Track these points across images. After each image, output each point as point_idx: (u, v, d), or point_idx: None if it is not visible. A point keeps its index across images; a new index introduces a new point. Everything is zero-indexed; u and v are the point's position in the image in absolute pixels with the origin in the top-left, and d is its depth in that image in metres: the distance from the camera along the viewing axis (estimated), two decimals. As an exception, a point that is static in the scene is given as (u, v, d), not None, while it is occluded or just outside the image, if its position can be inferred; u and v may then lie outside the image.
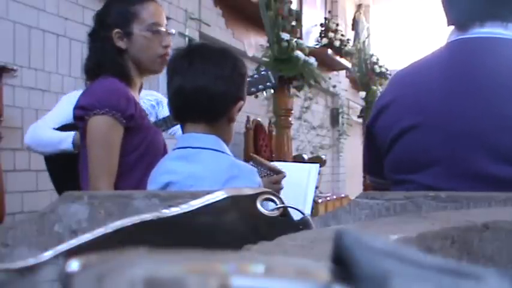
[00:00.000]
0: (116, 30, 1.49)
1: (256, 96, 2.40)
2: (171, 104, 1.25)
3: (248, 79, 1.89)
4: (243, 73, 1.26)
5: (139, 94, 1.59)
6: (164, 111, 1.84)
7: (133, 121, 1.44)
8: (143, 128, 1.48)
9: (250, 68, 3.74)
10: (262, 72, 1.91)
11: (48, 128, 1.89)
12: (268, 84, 1.90)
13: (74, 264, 0.17)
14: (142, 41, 1.51)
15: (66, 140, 1.78)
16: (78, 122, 1.46)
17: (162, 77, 1.52)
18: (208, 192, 0.40)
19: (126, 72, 1.51)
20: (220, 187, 0.45)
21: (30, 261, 0.32)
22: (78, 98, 1.49)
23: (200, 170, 1.17)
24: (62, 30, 2.60)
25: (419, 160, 0.96)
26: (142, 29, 1.51)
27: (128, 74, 1.51)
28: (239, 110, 1.26)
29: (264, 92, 2.17)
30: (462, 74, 0.96)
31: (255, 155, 1.43)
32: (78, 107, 1.45)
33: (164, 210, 0.37)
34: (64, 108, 1.95)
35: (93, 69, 1.50)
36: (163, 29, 1.55)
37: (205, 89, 1.18)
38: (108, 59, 1.49)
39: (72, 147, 1.77)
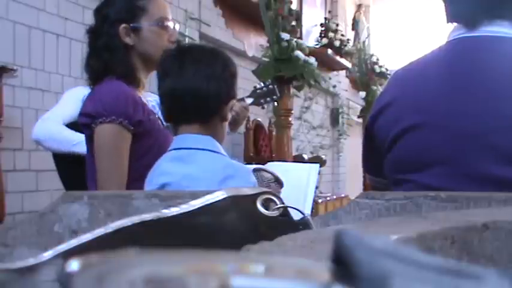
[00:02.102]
0: (123, 25, 1.44)
1: (263, 107, 2.56)
2: (163, 106, 1.25)
3: (257, 91, 2.00)
4: (233, 72, 1.26)
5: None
6: None
7: (141, 126, 1.39)
8: (153, 132, 1.43)
9: (250, 68, 3.75)
10: (270, 86, 2.06)
11: (62, 126, 1.88)
12: (274, 97, 2.08)
13: (74, 264, 0.17)
14: (151, 36, 1.47)
15: (83, 144, 1.72)
16: (84, 129, 1.41)
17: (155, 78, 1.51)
18: (208, 192, 0.40)
19: (134, 73, 1.46)
20: (216, 187, 0.45)
21: (30, 261, 0.32)
22: (83, 103, 1.43)
23: (195, 170, 1.17)
24: (62, 30, 2.60)
25: (420, 160, 0.96)
26: (151, 24, 1.47)
27: (136, 75, 1.46)
28: (231, 109, 1.26)
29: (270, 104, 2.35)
30: (464, 72, 0.95)
31: (259, 166, 1.42)
32: (83, 114, 1.39)
33: (164, 210, 0.37)
34: (69, 105, 1.93)
35: (99, 70, 1.43)
36: (171, 24, 1.51)
37: (197, 91, 1.18)
38: (116, 58, 1.43)
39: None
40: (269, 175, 1.37)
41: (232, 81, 1.25)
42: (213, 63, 1.22)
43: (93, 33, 1.47)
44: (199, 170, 1.17)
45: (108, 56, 1.43)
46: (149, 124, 1.43)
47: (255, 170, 1.35)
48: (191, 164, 1.18)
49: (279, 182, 1.37)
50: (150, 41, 1.47)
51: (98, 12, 1.50)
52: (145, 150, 1.41)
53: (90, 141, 1.41)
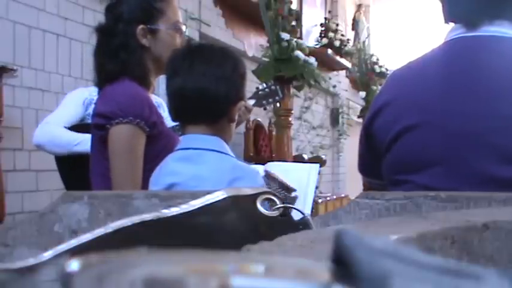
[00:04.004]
0: (141, 26, 1.42)
1: (265, 108, 2.57)
2: (171, 105, 1.25)
3: (259, 92, 1.98)
4: (242, 73, 1.25)
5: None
6: (165, 115, 1.84)
7: (155, 129, 1.38)
8: (164, 135, 1.41)
9: (250, 68, 3.75)
10: (272, 87, 2.06)
11: (62, 129, 1.87)
12: (276, 98, 2.07)
13: (74, 264, 0.17)
14: (167, 38, 1.46)
15: (85, 142, 1.67)
16: (97, 130, 1.39)
17: (161, 77, 1.51)
18: (208, 192, 0.40)
19: (147, 74, 1.44)
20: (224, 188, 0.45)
21: (30, 261, 0.32)
22: (96, 105, 1.40)
23: (204, 171, 1.16)
24: (62, 30, 2.60)
25: (419, 160, 0.95)
26: (168, 27, 1.46)
27: (149, 76, 1.45)
28: (239, 110, 1.26)
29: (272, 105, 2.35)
30: (463, 72, 0.95)
31: (269, 171, 1.41)
32: (97, 115, 1.37)
33: (164, 210, 0.37)
34: (71, 108, 1.92)
35: (115, 71, 1.40)
36: (184, 27, 1.51)
37: (206, 91, 1.18)
38: (134, 59, 1.41)
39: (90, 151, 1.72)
40: (277, 181, 1.37)
41: (241, 83, 1.24)
42: (223, 63, 1.21)
43: (105, 33, 1.45)
44: (208, 171, 1.16)
45: (125, 56, 1.41)
46: (162, 126, 1.41)
47: (265, 175, 1.35)
48: (200, 165, 1.17)
49: (286, 188, 1.37)
50: (167, 44, 1.45)
51: (109, 11, 1.47)
52: (157, 152, 1.38)
53: (101, 141, 1.38)
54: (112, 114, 1.33)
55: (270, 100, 2.04)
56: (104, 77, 1.43)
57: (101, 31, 1.46)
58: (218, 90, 1.18)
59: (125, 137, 1.34)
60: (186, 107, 1.21)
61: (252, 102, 1.88)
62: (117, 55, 1.41)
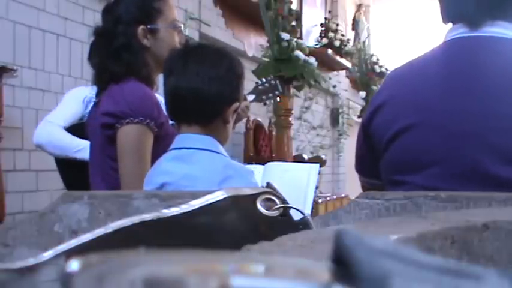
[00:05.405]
0: (142, 26, 1.42)
1: (265, 104, 2.54)
2: (167, 104, 1.25)
3: (259, 87, 1.96)
4: (239, 74, 1.24)
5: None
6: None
7: (163, 129, 1.39)
8: (170, 135, 1.40)
9: (250, 68, 3.75)
10: (272, 82, 2.04)
11: (64, 131, 1.86)
12: (276, 92, 2.05)
13: (74, 264, 0.17)
14: (167, 37, 1.46)
15: (86, 149, 1.64)
16: (104, 129, 1.38)
17: (161, 77, 1.51)
18: (208, 192, 0.40)
19: (152, 74, 1.45)
20: (216, 187, 0.45)
21: (30, 261, 0.32)
22: (104, 104, 1.39)
23: (195, 170, 1.16)
24: (62, 30, 2.60)
25: (418, 161, 0.95)
26: (167, 26, 1.46)
27: (152, 76, 1.45)
28: (234, 111, 1.25)
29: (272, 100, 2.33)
30: (462, 72, 0.95)
31: (271, 183, 1.40)
32: (106, 114, 1.36)
33: (164, 210, 0.37)
34: (71, 106, 1.92)
35: (121, 72, 1.39)
36: (181, 25, 1.52)
37: (198, 91, 1.17)
38: (138, 59, 1.41)
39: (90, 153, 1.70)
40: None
41: (237, 83, 1.23)
42: (218, 64, 1.20)
43: (105, 35, 1.44)
44: (199, 170, 1.16)
45: (129, 58, 1.41)
46: (168, 126, 1.42)
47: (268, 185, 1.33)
48: (191, 164, 1.17)
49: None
50: (167, 43, 1.45)
51: (107, 12, 1.47)
52: (163, 152, 1.38)
53: (108, 141, 1.38)
54: (122, 114, 1.34)
55: (270, 95, 2.02)
56: (107, 78, 1.43)
57: (100, 33, 1.45)
58: (211, 90, 1.18)
59: (135, 137, 1.34)
60: (180, 107, 1.21)
61: (251, 97, 1.87)
62: (120, 57, 1.41)
